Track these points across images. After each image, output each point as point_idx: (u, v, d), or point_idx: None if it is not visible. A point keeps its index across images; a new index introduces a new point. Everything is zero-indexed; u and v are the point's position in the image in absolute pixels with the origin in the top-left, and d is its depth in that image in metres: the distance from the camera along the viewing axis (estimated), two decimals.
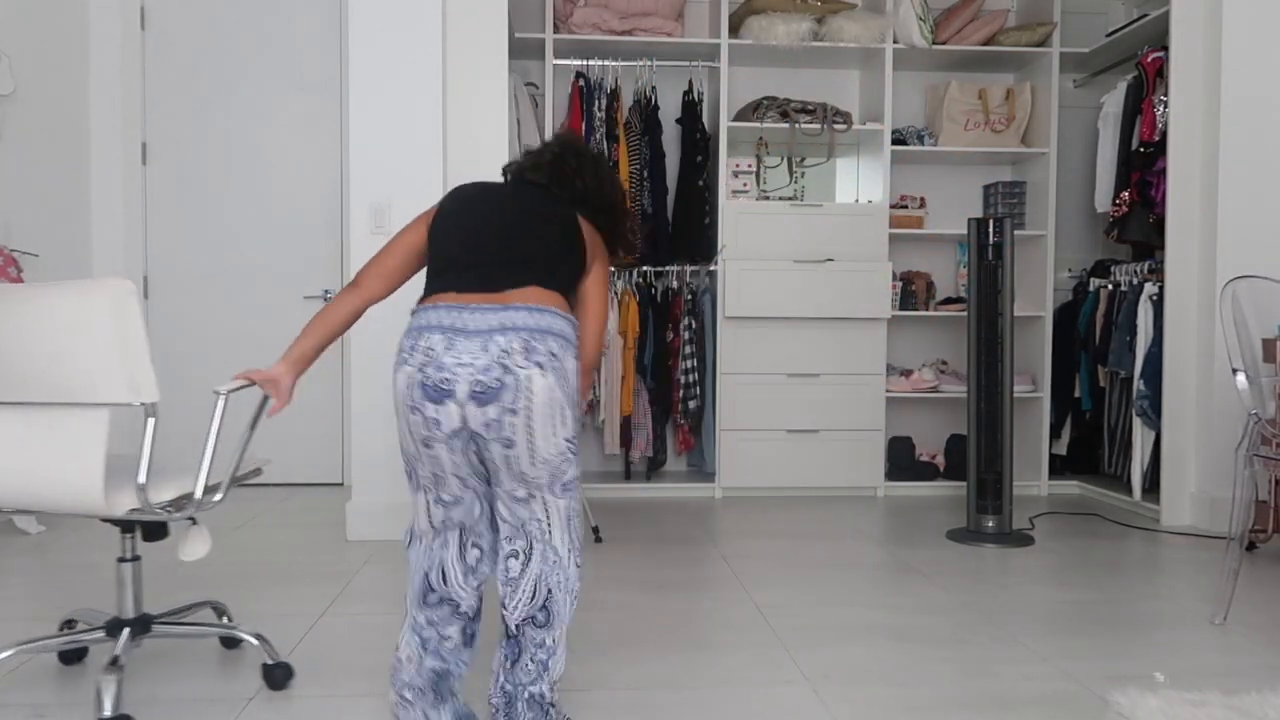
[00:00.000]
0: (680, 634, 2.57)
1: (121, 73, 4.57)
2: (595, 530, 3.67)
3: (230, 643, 2.46)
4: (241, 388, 1.97)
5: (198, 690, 2.18)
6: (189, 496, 2.05)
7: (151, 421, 1.93)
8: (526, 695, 1.84)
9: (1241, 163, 3.79)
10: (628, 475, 4.64)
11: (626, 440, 4.53)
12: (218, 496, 2.09)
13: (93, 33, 4.54)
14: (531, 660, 1.85)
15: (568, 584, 1.87)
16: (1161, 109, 4.09)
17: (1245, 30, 3.78)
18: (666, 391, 4.56)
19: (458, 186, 2.05)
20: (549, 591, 1.85)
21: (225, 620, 2.44)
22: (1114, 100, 4.35)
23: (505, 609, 1.86)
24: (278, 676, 2.19)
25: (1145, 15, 4.19)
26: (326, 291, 4.68)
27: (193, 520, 2.13)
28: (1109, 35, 4.46)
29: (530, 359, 1.74)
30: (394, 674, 1.90)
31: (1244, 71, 3.79)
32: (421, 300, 1.86)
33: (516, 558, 1.85)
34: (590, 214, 2.08)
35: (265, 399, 2.10)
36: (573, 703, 2.11)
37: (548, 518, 1.84)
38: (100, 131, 4.56)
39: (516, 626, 1.84)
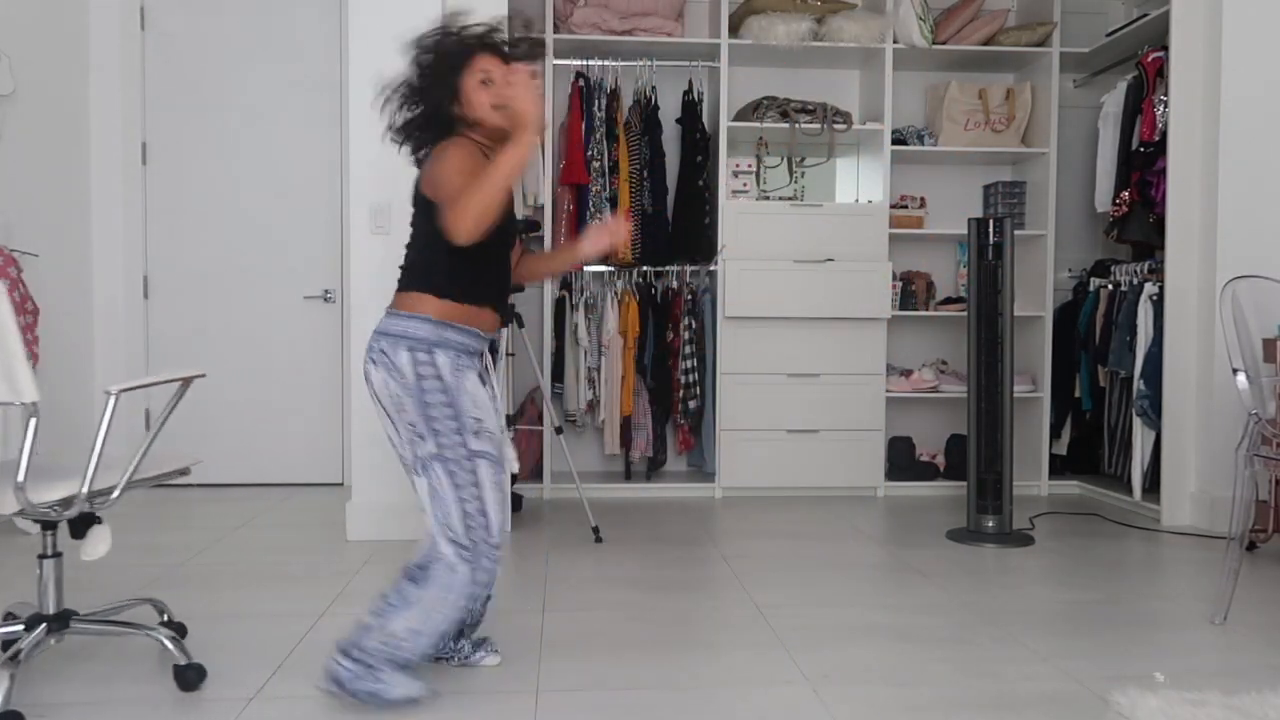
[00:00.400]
0: (680, 634, 2.57)
1: (121, 73, 4.57)
2: (595, 530, 3.67)
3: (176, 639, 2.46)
4: (135, 388, 2.07)
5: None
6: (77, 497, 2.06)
7: (34, 422, 1.93)
8: (358, 623, 2.04)
9: (1241, 163, 3.79)
10: (628, 475, 4.64)
11: (626, 440, 4.53)
12: (113, 495, 2.11)
13: (93, 33, 4.54)
14: (384, 598, 2.04)
15: (446, 561, 2.02)
16: (1161, 109, 4.09)
17: (1245, 30, 3.78)
18: (666, 391, 4.56)
19: None
20: (432, 560, 2.04)
21: (165, 619, 2.44)
22: (1114, 100, 4.35)
23: None
24: (189, 677, 2.17)
25: (1145, 15, 4.19)
26: (327, 291, 4.69)
27: (98, 520, 2.15)
28: (1109, 35, 4.46)
29: (370, 357, 2.09)
30: None
31: (1244, 71, 3.79)
32: None
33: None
34: (442, 110, 2.13)
35: (180, 397, 2.23)
36: (573, 703, 2.12)
37: (419, 496, 2.08)
38: (100, 131, 4.56)
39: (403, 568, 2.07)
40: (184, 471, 2.34)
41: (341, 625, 2.61)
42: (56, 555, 2.23)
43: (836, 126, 4.54)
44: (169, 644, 2.20)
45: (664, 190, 4.58)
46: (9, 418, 3.62)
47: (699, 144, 4.55)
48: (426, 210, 2.07)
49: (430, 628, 2.02)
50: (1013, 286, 3.75)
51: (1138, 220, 4.18)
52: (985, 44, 4.59)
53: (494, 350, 2.32)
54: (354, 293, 3.62)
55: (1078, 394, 4.65)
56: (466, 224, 1.89)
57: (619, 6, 4.45)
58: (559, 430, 3.84)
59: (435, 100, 2.12)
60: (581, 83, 4.51)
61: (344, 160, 4.64)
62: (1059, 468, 4.75)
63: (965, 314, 4.43)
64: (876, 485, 4.55)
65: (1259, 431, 2.69)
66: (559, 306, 4.57)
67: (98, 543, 2.13)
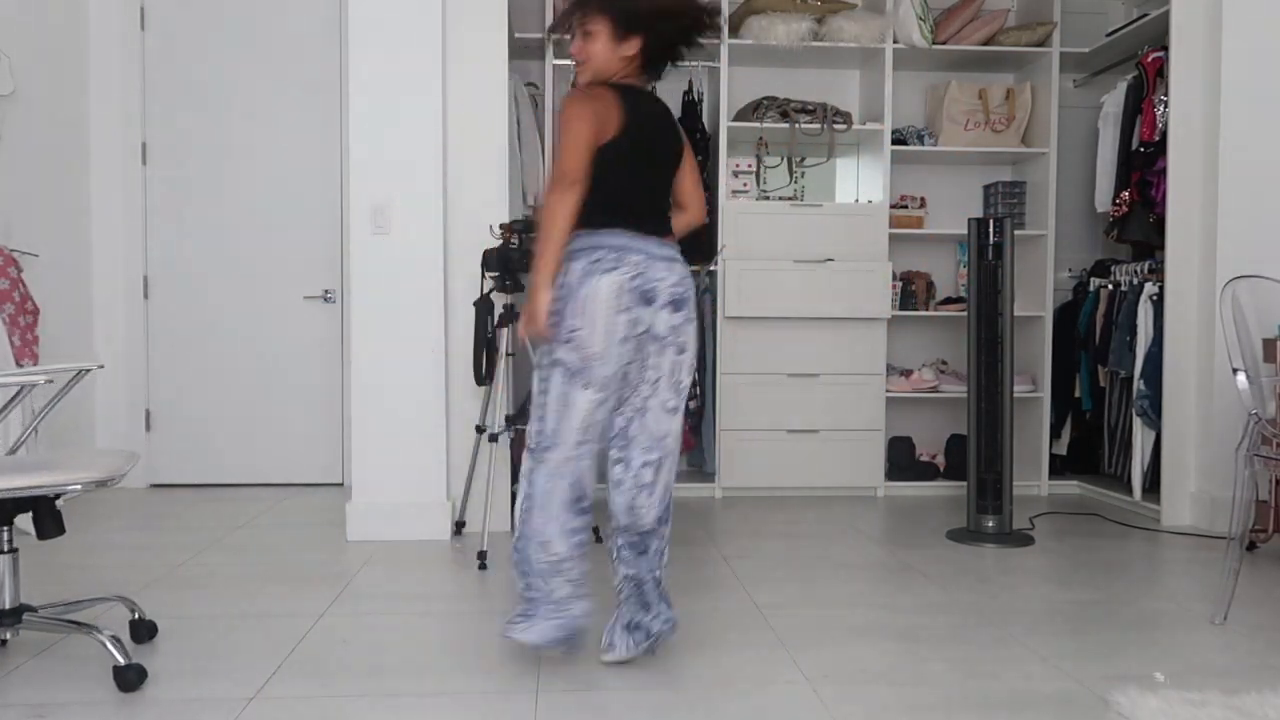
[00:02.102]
0: (680, 634, 2.57)
1: (121, 73, 4.57)
2: (595, 530, 3.66)
3: (146, 634, 2.48)
4: None
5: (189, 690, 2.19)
6: None
7: None
8: (653, 578, 2.37)
9: (1241, 163, 3.79)
10: None
11: None
12: None
13: (93, 33, 4.54)
14: (656, 550, 2.37)
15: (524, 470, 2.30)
16: (1161, 109, 4.09)
17: (1245, 30, 3.78)
18: None
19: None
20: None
21: (136, 616, 2.46)
22: (1114, 100, 4.35)
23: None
24: (129, 678, 2.16)
25: (1145, 15, 4.19)
26: (327, 292, 4.68)
27: None
28: (1109, 35, 4.46)
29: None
30: (552, 567, 2.27)
31: (1244, 71, 3.78)
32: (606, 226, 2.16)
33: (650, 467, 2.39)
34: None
35: (66, 391, 2.28)
36: (573, 703, 2.12)
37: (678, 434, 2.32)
38: (100, 131, 4.56)
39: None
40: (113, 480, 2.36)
41: (342, 625, 2.62)
42: (13, 551, 2.27)
43: (836, 126, 4.54)
44: (108, 644, 2.18)
45: None
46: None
47: (699, 144, 4.54)
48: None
49: (524, 533, 2.26)
50: (1013, 286, 3.74)
51: (1138, 220, 4.18)
52: (985, 44, 4.59)
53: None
54: (354, 293, 3.62)
55: (1078, 394, 4.65)
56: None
57: None
58: None
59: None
60: None
61: (344, 160, 4.64)
62: (1059, 468, 4.74)
63: (965, 314, 4.43)
64: (876, 485, 4.55)
65: (1259, 431, 2.69)
66: None
67: None
